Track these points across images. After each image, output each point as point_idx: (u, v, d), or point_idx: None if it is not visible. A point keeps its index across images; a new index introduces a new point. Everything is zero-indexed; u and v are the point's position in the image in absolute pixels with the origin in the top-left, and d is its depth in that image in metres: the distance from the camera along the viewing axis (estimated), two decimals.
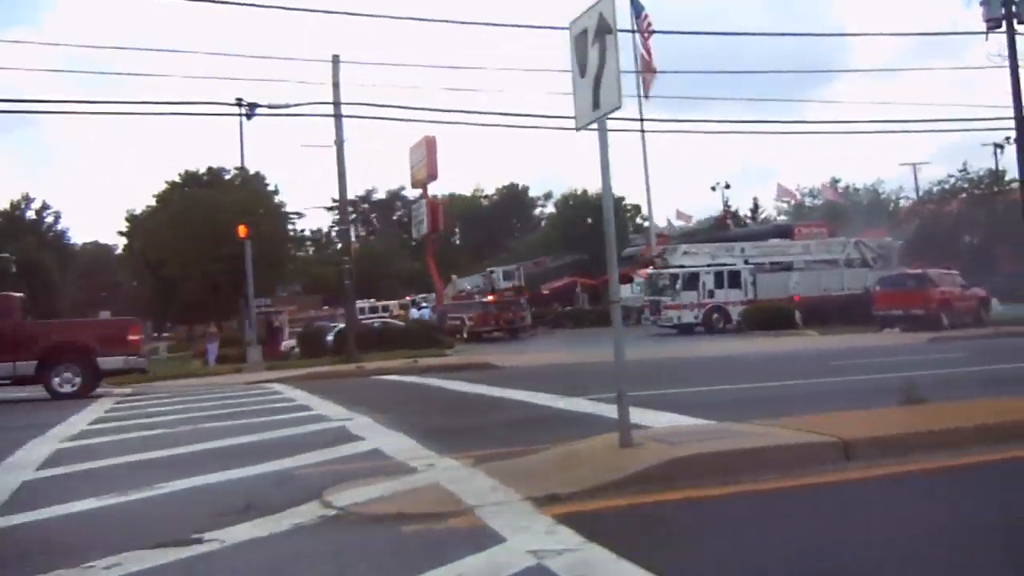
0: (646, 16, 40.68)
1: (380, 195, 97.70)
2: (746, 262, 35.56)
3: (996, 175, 49.76)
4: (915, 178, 62.51)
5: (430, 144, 31.38)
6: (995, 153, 48.51)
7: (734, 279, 34.77)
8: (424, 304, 37.16)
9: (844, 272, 35.92)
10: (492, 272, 39.89)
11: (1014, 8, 26.63)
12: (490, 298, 38.73)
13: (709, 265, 35.04)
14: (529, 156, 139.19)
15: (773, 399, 10.41)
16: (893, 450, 6.18)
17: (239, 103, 31.07)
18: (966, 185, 51.11)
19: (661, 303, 34.98)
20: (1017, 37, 28.96)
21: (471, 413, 11.38)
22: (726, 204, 67.55)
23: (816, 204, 60.67)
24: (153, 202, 58.24)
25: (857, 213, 48.87)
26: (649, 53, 41.35)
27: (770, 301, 33.40)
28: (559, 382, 14.30)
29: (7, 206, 76.13)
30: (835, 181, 61.43)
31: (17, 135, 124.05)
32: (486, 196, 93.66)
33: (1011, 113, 26.85)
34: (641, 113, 40.15)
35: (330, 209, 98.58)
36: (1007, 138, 46.87)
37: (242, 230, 23.25)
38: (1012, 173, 49.82)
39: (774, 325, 30.52)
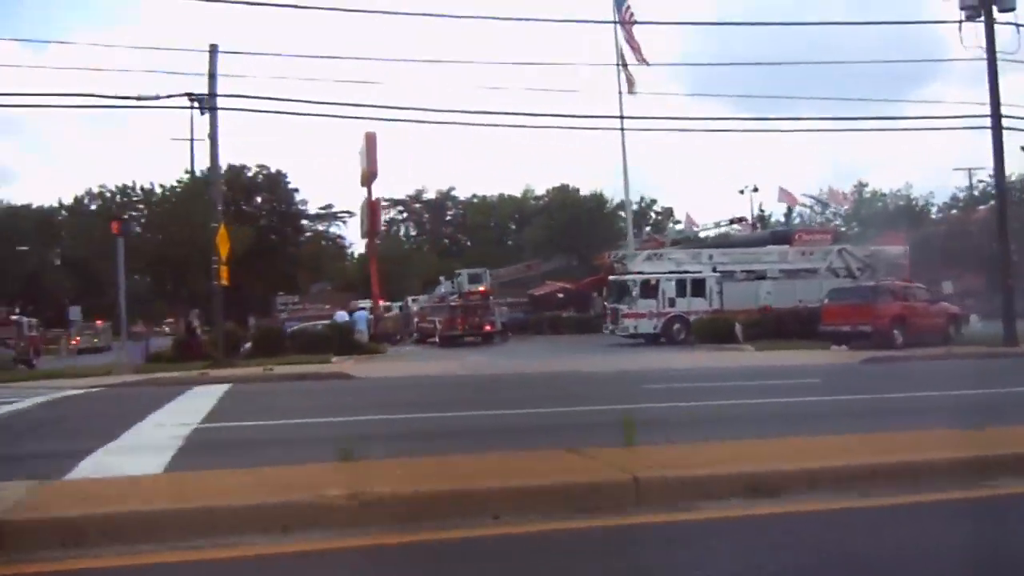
0: (628, 7, 38.26)
1: (430, 195, 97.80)
2: (714, 269, 32.82)
3: None
4: (970, 183, 57.93)
5: (370, 140, 30.07)
6: None
7: (698, 287, 32.13)
8: (361, 307, 35.90)
9: (824, 282, 32.75)
10: (458, 275, 38.33)
11: None
12: (455, 302, 37.18)
13: (672, 272, 32.46)
14: (587, 158, 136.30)
15: (370, 437, 8.71)
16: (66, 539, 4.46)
17: (189, 96, 30.57)
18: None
19: (620, 311, 32.67)
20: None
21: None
22: (761, 210, 64.53)
23: (821, 210, 56.64)
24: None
25: (868, 219, 45.01)
26: (635, 46, 38.91)
27: (735, 312, 30.66)
28: (283, 407, 12.97)
29: (71, 200, 78.21)
30: (862, 185, 57.16)
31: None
32: (536, 197, 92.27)
33: None
34: (621, 110, 37.98)
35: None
36: None
37: (113, 226, 22.33)
38: None
39: (723, 338, 27.95)
